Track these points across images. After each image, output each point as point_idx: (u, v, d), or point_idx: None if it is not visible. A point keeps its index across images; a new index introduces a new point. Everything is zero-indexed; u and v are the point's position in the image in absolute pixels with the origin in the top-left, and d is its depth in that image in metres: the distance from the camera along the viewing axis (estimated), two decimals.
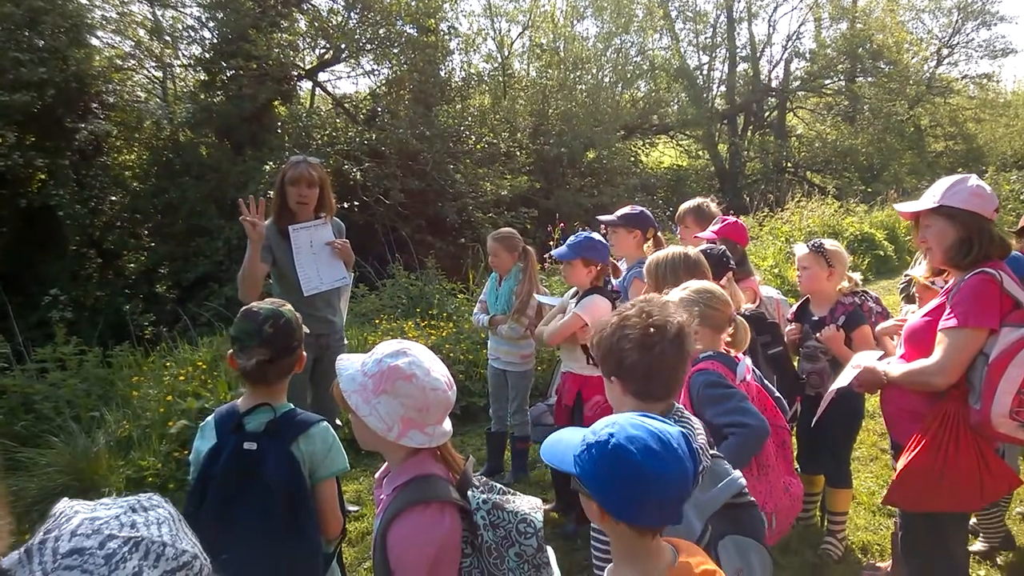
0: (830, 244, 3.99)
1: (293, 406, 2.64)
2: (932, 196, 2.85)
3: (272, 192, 4.49)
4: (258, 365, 2.50)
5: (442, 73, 18.09)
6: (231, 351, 2.56)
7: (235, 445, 2.46)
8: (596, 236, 4.30)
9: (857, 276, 4.11)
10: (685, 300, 2.68)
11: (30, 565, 1.08)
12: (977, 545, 4.10)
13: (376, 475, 2.17)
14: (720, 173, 27.38)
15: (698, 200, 4.83)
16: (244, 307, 2.60)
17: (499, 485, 2.06)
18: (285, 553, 2.43)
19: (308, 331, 2.88)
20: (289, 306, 2.66)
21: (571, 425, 4.23)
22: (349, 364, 1.98)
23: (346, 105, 17.87)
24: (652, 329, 2.00)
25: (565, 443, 1.61)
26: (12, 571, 1.09)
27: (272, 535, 2.42)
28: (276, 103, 15.01)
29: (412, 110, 16.21)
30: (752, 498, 2.03)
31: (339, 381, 1.95)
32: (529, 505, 2.01)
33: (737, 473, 2.03)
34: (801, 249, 4.05)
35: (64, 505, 1.19)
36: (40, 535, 1.13)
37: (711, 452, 2.05)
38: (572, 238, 4.31)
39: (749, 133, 29.30)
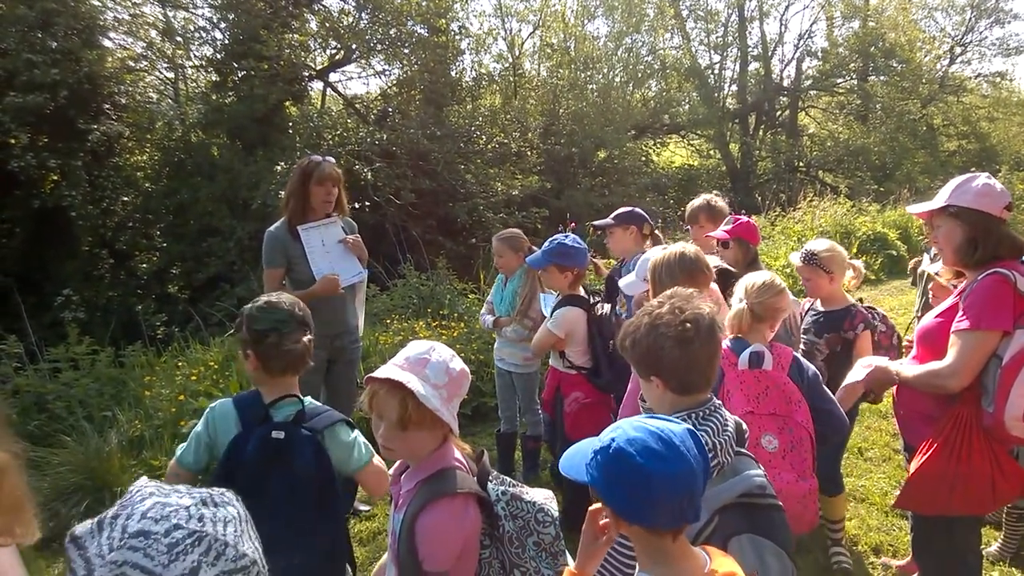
0: (821, 249, 3.87)
1: (312, 400, 2.68)
2: (941, 196, 2.86)
3: (283, 193, 4.51)
4: (305, 346, 2.59)
5: (453, 73, 18.10)
6: (256, 348, 2.55)
7: (263, 434, 2.47)
8: (571, 241, 4.30)
9: (860, 263, 4.08)
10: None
11: (99, 537, 1.14)
12: (993, 547, 4.07)
13: (391, 471, 2.18)
14: (732, 172, 27.28)
15: (705, 197, 4.83)
16: (258, 302, 2.60)
17: (509, 479, 2.10)
18: (313, 540, 2.47)
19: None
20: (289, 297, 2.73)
21: (553, 416, 4.34)
22: (415, 382, 1.95)
23: (357, 105, 17.92)
24: (688, 324, 2.02)
25: (580, 454, 1.62)
26: (83, 539, 1.15)
27: (300, 523, 2.45)
28: (287, 104, 15.04)
29: (423, 110, 16.23)
30: (778, 502, 2.01)
31: (424, 403, 1.93)
32: (543, 496, 2.07)
33: (755, 472, 2.02)
34: (796, 260, 3.99)
35: (140, 484, 1.24)
36: (114, 509, 1.18)
37: (735, 449, 2.05)
38: (546, 244, 4.34)
39: (761, 132, 29.18)
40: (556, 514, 2.05)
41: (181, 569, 1.10)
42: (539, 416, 5.06)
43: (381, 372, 1.97)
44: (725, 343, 2.74)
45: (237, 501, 1.27)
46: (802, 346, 3.94)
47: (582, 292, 4.42)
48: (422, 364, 1.99)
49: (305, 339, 2.59)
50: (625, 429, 1.52)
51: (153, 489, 1.22)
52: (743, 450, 2.11)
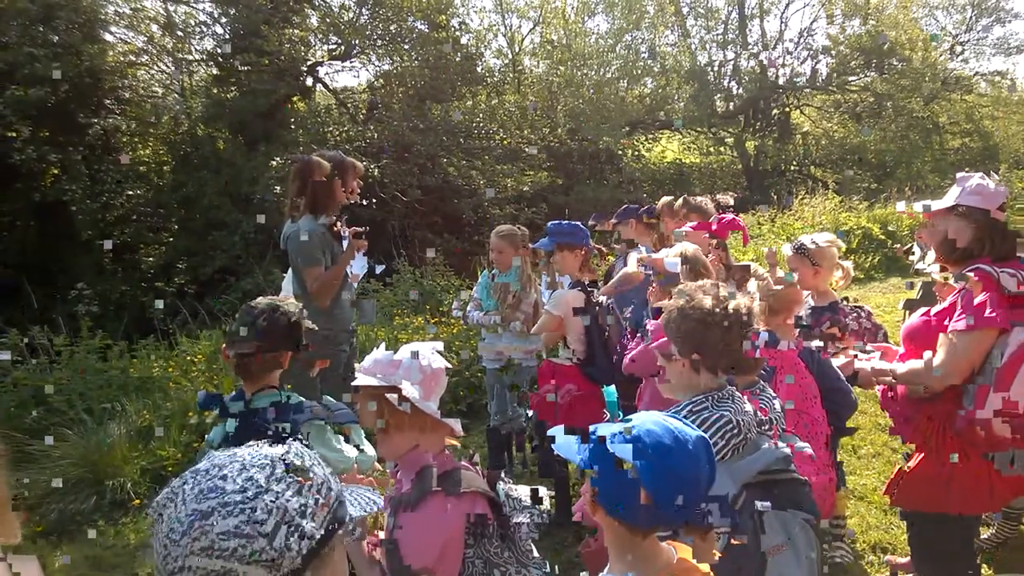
0: (811, 243, 3.92)
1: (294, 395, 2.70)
2: (951, 196, 2.83)
3: (286, 189, 4.50)
4: (239, 358, 2.59)
5: (452, 70, 18.08)
6: (228, 343, 2.63)
7: (242, 421, 2.53)
8: (567, 222, 4.38)
9: (848, 264, 4.10)
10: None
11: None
12: (986, 535, 4.08)
13: (389, 470, 2.24)
14: (747, 170, 27.19)
15: (700, 199, 5.05)
16: (249, 303, 2.65)
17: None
18: None
19: (316, 327, 2.89)
20: (293, 302, 2.73)
21: (540, 411, 4.31)
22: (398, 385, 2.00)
23: (353, 102, 17.91)
24: (728, 311, 2.17)
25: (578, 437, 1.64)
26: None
27: None
28: (295, 99, 15.04)
29: (421, 105, 16.24)
30: (800, 475, 2.12)
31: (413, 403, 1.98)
32: (526, 492, 2.13)
33: (778, 446, 2.12)
34: (787, 251, 4.04)
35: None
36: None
37: (757, 429, 2.15)
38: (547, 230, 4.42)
39: (757, 128, 29.05)
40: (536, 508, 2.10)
41: None
42: (515, 413, 5.07)
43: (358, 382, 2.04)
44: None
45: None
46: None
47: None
48: (389, 364, 2.04)
49: (239, 352, 2.58)
50: (644, 421, 1.56)
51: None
52: (763, 430, 2.20)
